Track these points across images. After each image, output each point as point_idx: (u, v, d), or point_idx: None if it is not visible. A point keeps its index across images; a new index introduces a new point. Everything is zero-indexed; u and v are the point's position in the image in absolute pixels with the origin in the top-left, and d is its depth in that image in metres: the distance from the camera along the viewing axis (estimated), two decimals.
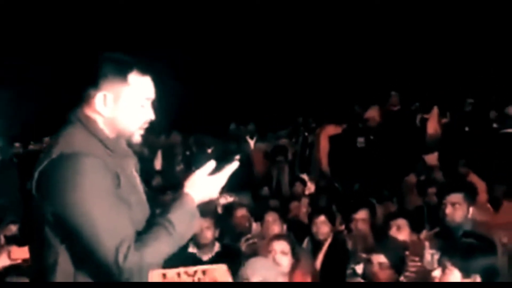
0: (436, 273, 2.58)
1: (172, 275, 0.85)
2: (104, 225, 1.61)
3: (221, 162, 1.89)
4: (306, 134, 8.69)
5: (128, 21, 11.05)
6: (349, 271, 3.51)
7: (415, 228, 4.10)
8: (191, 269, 0.83)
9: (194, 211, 1.75)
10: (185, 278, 0.83)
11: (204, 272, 0.86)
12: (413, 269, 3.29)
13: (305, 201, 5.99)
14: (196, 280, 0.82)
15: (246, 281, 2.82)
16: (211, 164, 1.84)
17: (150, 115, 1.86)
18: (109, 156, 1.75)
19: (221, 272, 0.87)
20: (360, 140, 7.10)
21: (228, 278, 0.85)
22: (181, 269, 0.85)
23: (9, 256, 3.14)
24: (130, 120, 1.82)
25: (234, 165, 1.86)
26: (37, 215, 1.70)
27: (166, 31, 11.18)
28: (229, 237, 4.61)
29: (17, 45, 11.46)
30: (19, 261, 3.11)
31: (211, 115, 10.39)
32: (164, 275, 0.84)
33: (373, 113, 7.22)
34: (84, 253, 1.64)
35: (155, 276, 0.85)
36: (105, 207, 1.63)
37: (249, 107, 10.38)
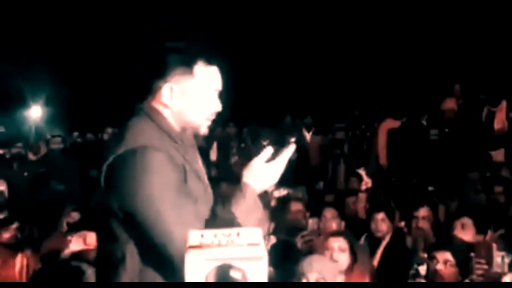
0: (507, 279, 2.41)
1: (209, 235, 0.89)
2: (172, 221, 1.58)
3: (277, 153, 1.81)
4: (363, 127, 8.49)
5: (191, 12, 11.13)
6: (412, 272, 3.36)
7: (479, 228, 3.88)
8: (227, 231, 0.90)
9: (256, 201, 1.72)
10: (221, 238, 0.89)
11: (238, 234, 0.90)
12: (479, 271, 3.11)
13: (362, 196, 5.81)
14: (230, 241, 0.88)
15: (303, 277, 2.74)
16: (268, 151, 1.78)
17: (217, 107, 1.81)
18: (175, 149, 1.71)
19: (255, 234, 0.89)
20: (433, 132, 6.87)
21: (261, 240, 0.87)
22: (218, 231, 0.89)
23: (84, 242, 3.17)
24: (197, 113, 1.78)
25: (291, 149, 1.79)
26: (104, 208, 1.68)
27: (224, 23, 11.20)
28: (283, 231, 4.52)
29: (84, 35, 11.74)
30: (92, 247, 3.14)
31: (268, 108, 10.35)
32: (202, 235, 0.89)
33: (450, 104, 6.96)
34: (152, 249, 1.61)
35: (193, 235, 0.90)
36: (173, 202, 1.60)
37: (306, 99, 10.28)
